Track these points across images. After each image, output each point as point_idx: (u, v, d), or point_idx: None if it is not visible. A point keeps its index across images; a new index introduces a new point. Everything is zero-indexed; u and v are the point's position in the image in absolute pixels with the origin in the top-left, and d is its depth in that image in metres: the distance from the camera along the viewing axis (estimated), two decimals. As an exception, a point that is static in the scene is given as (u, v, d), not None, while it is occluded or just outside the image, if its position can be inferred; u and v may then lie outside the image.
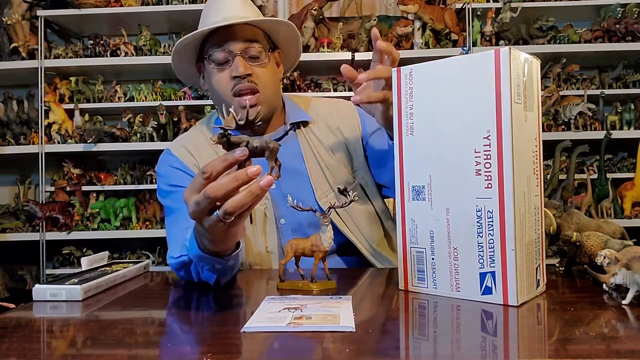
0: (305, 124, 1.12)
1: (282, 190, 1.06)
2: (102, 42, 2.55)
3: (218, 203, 0.61)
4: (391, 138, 0.95)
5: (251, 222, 1.05)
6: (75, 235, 2.53)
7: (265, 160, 0.64)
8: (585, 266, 0.78)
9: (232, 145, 0.62)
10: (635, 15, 2.47)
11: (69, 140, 2.55)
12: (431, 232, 0.73)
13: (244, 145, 0.62)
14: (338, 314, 0.62)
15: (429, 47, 2.54)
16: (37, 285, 0.78)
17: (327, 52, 2.54)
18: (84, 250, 2.60)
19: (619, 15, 2.48)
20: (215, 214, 0.62)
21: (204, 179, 0.61)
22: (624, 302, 0.65)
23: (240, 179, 0.59)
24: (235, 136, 0.62)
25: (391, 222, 1.14)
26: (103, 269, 0.92)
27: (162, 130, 2.54)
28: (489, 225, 0.67)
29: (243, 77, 1.01)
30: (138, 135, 2.54)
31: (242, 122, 0.62)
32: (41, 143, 2.53)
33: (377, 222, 1.12)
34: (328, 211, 0.76)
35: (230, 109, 0.63)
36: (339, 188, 1.07)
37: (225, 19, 1.02)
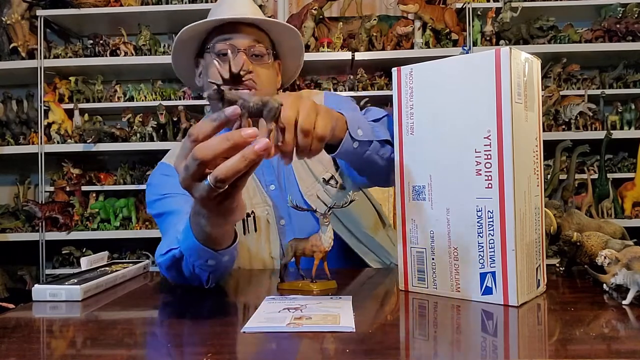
0: None
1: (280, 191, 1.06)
2: (101, 41, 2.55)
3: (208, 170, 0.55)
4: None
5: (255, 230, 1.04)
6: (75, 235, 2.53)
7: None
8: (585, 266, 0.77)
9: (227, 104, 0.55)
10: (636, 15, 2.47)
11: (69, 140, 2.54)
12: (431, 232, 0.73)
13: (240, 104, 0.55)
14: (338, 314, 0.62)
15: (429, 47, 2.54)
16: (36, 286, 0.77)
17: (327, 51, 2.54)
18: (84, 250, 2.60)
19: (620, 15, 2.48)
20: (205, 181, 0.56)
21: (191, 141, 0.55)
22: (624, 302, 0.65)
23: (232, 140, 0.53)
24: (230, 92, 0.55)
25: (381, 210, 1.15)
26: (103, 269, 0.92)
27: (161, 130, 2.54)
28: (489, 225, 0.67)
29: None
30: (138, 135, 2.54)
31: (226, 76, 0.56)
32: (41, 143, 2.53)
33: (368, 204, 1.12)
34: (328, 211, 0.76)
35: (215, 60, 0.59)
36: (324, 178, 1.06)
37: (235, 14, 1.03)
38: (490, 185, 0.66)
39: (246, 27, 1.04)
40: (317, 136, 0.68)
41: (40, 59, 2.52)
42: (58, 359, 0.54)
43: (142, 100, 2.59)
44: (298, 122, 0.65)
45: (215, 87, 0.55)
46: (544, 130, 2.00)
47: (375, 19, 2.59)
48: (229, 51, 1.02)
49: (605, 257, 0.69)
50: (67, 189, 2.59)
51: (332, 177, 1.07)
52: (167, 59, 2.52)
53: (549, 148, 2.30)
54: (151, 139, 2.52)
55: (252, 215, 1.04)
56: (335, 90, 2.60)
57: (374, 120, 0.96)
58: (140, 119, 2.54)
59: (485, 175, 0.67)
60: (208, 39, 1.07)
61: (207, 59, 1.06)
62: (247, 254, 1.05)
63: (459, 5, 2.55)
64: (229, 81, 0.56)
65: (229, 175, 0.54)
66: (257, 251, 1.04)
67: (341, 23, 2.68)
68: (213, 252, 0.72)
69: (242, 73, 0.57)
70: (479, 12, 2.50)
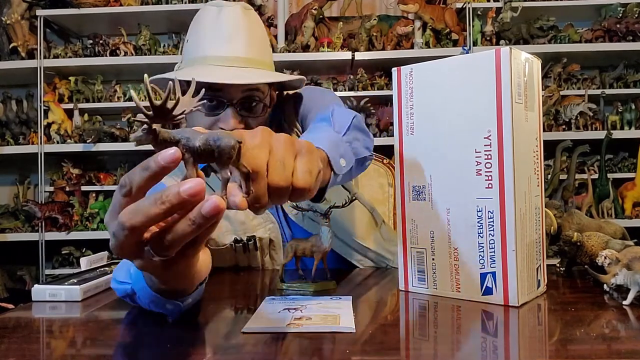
0: None
1: None
2: (101, 41, 2.55)
3: (145, 235, 0.42)
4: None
5: (256, 249, 0.97)
6: (75, 235, 2.53)
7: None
8: (586, 266, 0.77)
9: (163, 144, 0.41)
10: (636, 15, 2.47)
11: (68, 140, 2.54)
12: (431, 232, 0.73)
13: (182, 145, 0.41)
14: (338, 314, 0.62)
15: (429, 47, 2.54)
16: (36, 286, 0.77)
17: (327, 51, 2.54)
18: (83, 250, 2.60)
19: (620, 15, 2.48)
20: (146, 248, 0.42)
21: (122, 195, 0.41)
22: (624, 302, 0.65)
23: (168, 201, 0.39)
24: (167, 130, 0.41)
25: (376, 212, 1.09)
26: (102, 269, 0.92)
27: (161, 130, 2.54)
28: (490, 226, 0.67)
29: None
30: (138, 135, 2.54)
31: (150, 112, 0.40)
32: (40, 143, 2.53)
33: (360, 209, 1.06)
34: (328, 211, 0.76)
35: (150, 86, 0.41)
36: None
37: (223, 60, 0.87)
38: (490, 185, 0.66)
39: (238, 72, 0.87)
40: (297, 188, 0.49)
41: (40, 58, 2.52)
42: (58, 359, 0.54)
43: (142, 100, 2.58)
44: (268, 174, 0.46)
45: (145, 125, 0.40)
46: (544, 130, 2.00)
47: (375, 19, 2.59)
48: (220, 105, 0.87)
49: (605, 258, 0.69)
50: (67, 189, 2.59)
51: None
52: (166, 59, 2.53)
53: (549, 148, 2.30)
54: (151, 139, 2.51)
55: (252, 240, 0.96)
56: (335, 90, 2.59)
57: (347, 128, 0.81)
58: (140, 119, 2.54)
59: (486, 175, 0.67)
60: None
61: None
62: (246, 264, 1.01)
63: (459, 5, 2.55)
64: (154, 117, 0.40)
65: (172, 244, 0.41)
66: (258, 265, 1.01)
67: (341, 23, 2.68)
68: (171, 300, 0.58)
69: (169, 107, 0.40)
70: (479, 12, 2.50)
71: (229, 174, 0.41)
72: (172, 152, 0.39)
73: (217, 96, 0.89)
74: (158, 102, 0.40)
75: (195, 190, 0.39)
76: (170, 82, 0.41)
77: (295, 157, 0.50)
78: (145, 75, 0.45)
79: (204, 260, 0.53)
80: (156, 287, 0.55)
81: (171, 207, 0.39)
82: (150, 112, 0.40)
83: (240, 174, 0.43)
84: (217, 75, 0.85)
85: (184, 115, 0.41)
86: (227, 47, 0.89)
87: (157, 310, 0.60)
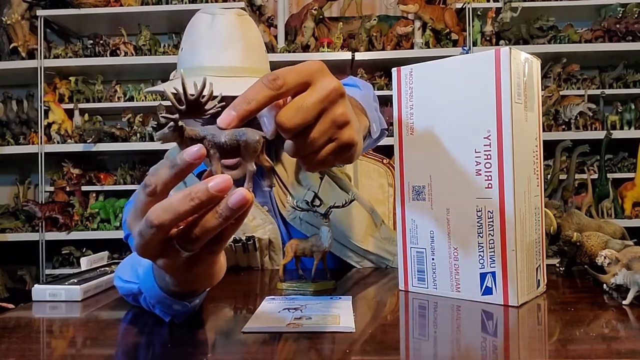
0: None
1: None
2: (101, 41, 2.55)
3: (172, 231, 0.42)
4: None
5: (256, 250, 0.97)
6: (75, 235, 2.53)
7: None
8: (585, 266, 0.77)
9: (189, 143, 0.42)
10: (636, 15, 2.47)
11: (69, 140, 2.55)
12: (431, 232, 0.73)
13: (207, 142, 0.42)
14: (338, 314, 0.62)
15: (429, 47, 2.54)
16: (36, 286, 0.77)
17: (327, 51, 2.54)
18: (84, 250, 2.60)
19: (620, 15, 2.48)
20: (171, 246, 0.43)
21: (147, 194, 0.42)
22: (624, 302, 0.65)
23: (197, 197, 0.40)
24: (192, 128, 0.42)
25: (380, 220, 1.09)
26: (102, 269, 0.92)
27: (162, 130, 2.54)
28: (489, 226, 0.67)
29: None
30: (138, 135, 2.54)
31: (182, 107, 0.41)
32: (41, 143, 2.53)
33: (359, 210, 1.06)
34: (328, 211, 0.76)
35: (172, 88, 0.41)
36: (306, 200, 1.01)
37: (221, 71, 0.86)
38: (490, 186, 0.66)
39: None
40: (348, 143, 0.47)
41: (41, 59, 2.52)
42: (58, 359, 0.54)
43: (142, 100, 2.59)
44: (315, 127, 0.45)
45: (172, 123, 0.41)
46: (544, 130, 2.00)
47: (375, 19, 2.60)
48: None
49: (605, 257, 0.69)
50: (67, 189, 2.59)
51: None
52: (167, 59, 2.53)
53: (549, 148, 2.30)
54: (151, 139, 2.52)
55: (252, 240, 0.96)
56: (335, 90, 2.59)
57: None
58: (140, 119, 2.54)
59: (485, 175, 0.67)
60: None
61: None
62: (246, 264, 1.01)
63: (459, 5, 2.55)
64: (186, 112, 0.42)
65: (201, 238, 0.41)
66: (258, 266, 1.01)
67: (341, 23, 2.68)
68: (179, 301, 0.58)
69: (202, 100, 0.41)
70: (479, 12, 2.50)
71: (254, 166, 0.43)
72: (197, 148, 0.40)
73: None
74: (192, 97, 0.41)
75: (223, 185, 0.39)
76: (204, 77, 0.42)
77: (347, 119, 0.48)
78: (182, 70, 0.48)
79: (222, 262, 0.53)
80: (168, 288, 0.55)
81: (200, 203, 0.40)
82: (183, 107, 0.41)
83: (263, 168, 0.44)
84: (216, 86, 0.85)
85: (215, 110, 0.42)
86: (223, 56, 0.88)
87: (161, 312, 0.60)
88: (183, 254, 0.43)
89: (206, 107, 0.42)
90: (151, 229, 0.40)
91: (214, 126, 0.42)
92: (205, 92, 0.42)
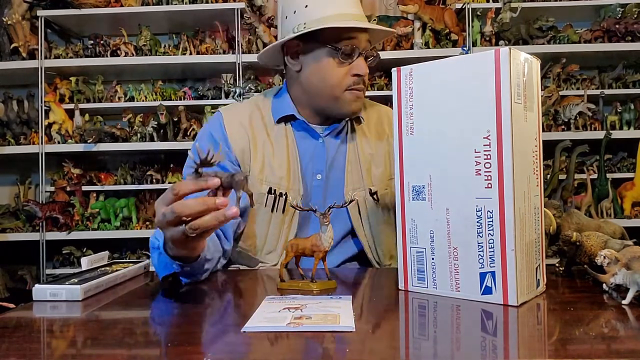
0: (358, 121, 1.12)
1: (323, 181, 1.07)
2: (102, 42, 2.55)
3: (184, 218, 0.68)
4: None
5: (283, 212, 1.04)
6: (75, 235, 2.53)
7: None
8: (585, 266, 0.78)
9: (203, 177, 0.70)
10: (635, 16, 2.47)
11: (69, 140, 2.55)
12: (431, 232, 0.73)
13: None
14: (338, 314, 0.62)
15: (429, 47, 2.54)
16: (37, 285, 0.78)
17: (327, 52, 2.54)
18: (84, 250, 2.60)
19: (619, 16, 2.48)
20: (180, 227, 0.69)
21: (173, 194, 0.68)
22: (624, 302, 0.65)
23: (207, 205, 0.66)
24: (206, 172, 0.69)
25: None
26: (103, 269, 0.92)
27: (162, 130, 2.54)
28: (489, 225, 0.67)
29: (362, 76, 1.03)
30: (138, 135, 2.54)
31: (198, 162, 0.68)
32: (41, 143, 2.53)
33: (393, 232, 1.11)
34: (328, 211, 0.76)
35: (204, 150, 0.68)
36: (370, 189, 1.08)
37: (355, 17, 1.02)
38: (489, 185, 0.67)
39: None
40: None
41: (41, 59, 2.52)
42: (58, 358, 0.54)
43: (143, 101, 2.59)
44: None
45: (195, 166, 0.69)
46: (543, 130, 2.00)
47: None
48: (354, 54, 1.01)
49: (604, 257, 0.69)
50: (68, 189, 2.59)
51: (376, 191, 1.08)
52: (167, 59, 2.54)
53: (549, 148, 2.30)
54: (152, 139, 2.51)
55: (284, 196, 1.04)
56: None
57: None
58: (141, 119, 2.54)
59: (485, 175, 0.67)
60: (319, 32, 1.00)
61: (323, 55, 1.02)
62: (265, 229, 1.05)
63: (458, 6, 2.55)
64: (201, 164, 0.68)
65: (202, 227, 0.67)
66: (275, 231, 1.04)
67: (341, 23, 2.67)
68: (177, 263, 0.81)
69: (209, 159, 0.69)
70: (478, 13, 2.50)
71: (240, 194, 0.69)
72: (215, 179, 0.67)
73: (353, 46, 1.01)
74: (204, 158, 0.68)
75: (224, 203, 0.67)
76: (209, 147, 0.68)
77: None
78: (198, 145, 0.72)
79: (204, 243, 0.81)
80: (170, 252, 0.79)
81: (207, 209, 0.67)
82: (199, 162, 0.68)
83: (247, 194, 0.71)
84: (360, 24, 1.01)
85: (215, 163, 0.68)
86: (352, 8, 1.04)
87: (164, 269, 0.83)
88: (187, 233, 0.68)
89: (211, 162, 0.68)
90: (173, 214, 0.68)
91: (214, 171, 0.69)
92: (209, 156, 0.68)
